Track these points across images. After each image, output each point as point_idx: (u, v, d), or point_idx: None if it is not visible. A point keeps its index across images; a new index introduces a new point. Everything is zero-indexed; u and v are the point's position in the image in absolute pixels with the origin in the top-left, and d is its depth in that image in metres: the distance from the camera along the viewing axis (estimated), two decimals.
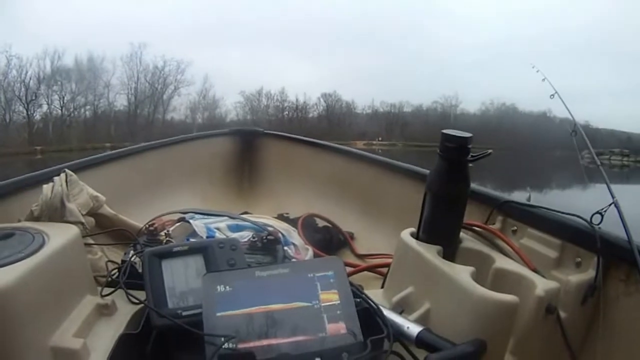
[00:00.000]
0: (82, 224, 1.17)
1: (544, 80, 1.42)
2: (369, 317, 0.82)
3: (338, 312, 0.78)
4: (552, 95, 1.36)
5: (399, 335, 0.81)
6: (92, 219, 1.25)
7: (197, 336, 0.74)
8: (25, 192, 1.30)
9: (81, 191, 1.25)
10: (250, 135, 2.84)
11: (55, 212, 1.14)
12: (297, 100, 36.44)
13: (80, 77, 26.51)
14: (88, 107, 26.49)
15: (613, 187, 1.07)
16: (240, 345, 0.72)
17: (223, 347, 0.70)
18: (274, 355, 0.72)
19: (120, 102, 27.83)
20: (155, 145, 2.33)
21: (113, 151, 2.04)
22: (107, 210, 1.32)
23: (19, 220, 1.10)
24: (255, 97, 35.47)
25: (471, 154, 0.97)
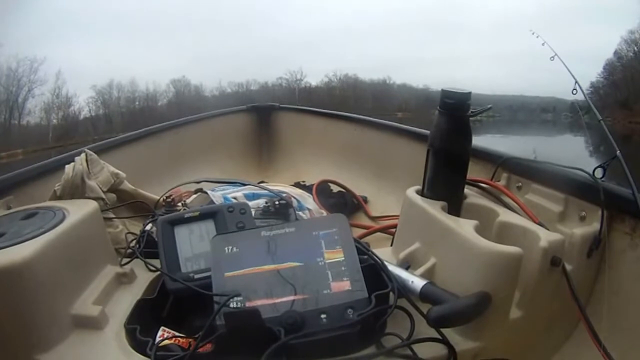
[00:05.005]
0: (103, 199, 1.17)
1: (543, 44, 1.34)
2: (374, 274, 0.79)
3: (342, 268, 0.75)
4: (552, 57, 1.29)
5: (404, 290, 0.77)
6: (113, 195, 1.25)
7: (209, 298, 0.73)
8: (51, 176, 1.30)
9: (102, 169, 1.25)
10: (266, 110, 2.81)
11: (77, 190, 1.14)
12: (147, 89, 34.56)
13: None
14: None
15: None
16: (248, 304, 0.70)
17: (230, 305, 0.69)
18: (280, 312, 0.70)
19: None
20: (173, 125, 2.31)
21: (132, 132, 2.03)
22: (127, 186, 1.31)
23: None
24: (107, 90, 33.08)
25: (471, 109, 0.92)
